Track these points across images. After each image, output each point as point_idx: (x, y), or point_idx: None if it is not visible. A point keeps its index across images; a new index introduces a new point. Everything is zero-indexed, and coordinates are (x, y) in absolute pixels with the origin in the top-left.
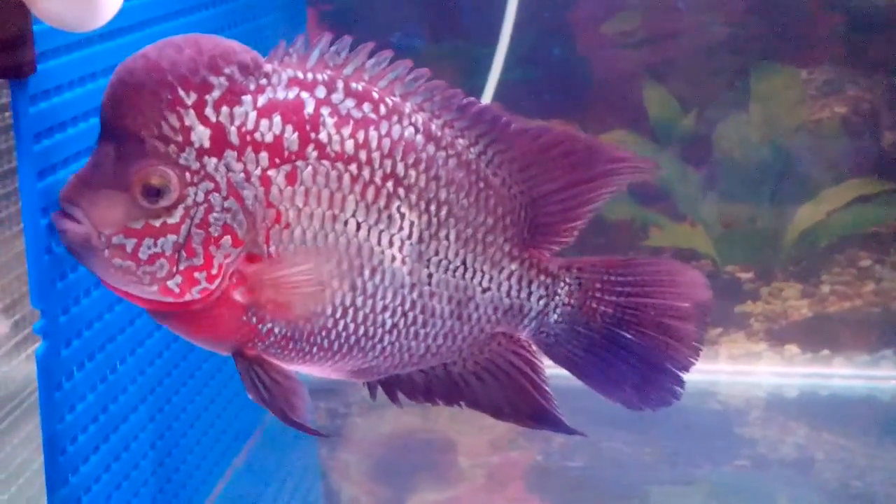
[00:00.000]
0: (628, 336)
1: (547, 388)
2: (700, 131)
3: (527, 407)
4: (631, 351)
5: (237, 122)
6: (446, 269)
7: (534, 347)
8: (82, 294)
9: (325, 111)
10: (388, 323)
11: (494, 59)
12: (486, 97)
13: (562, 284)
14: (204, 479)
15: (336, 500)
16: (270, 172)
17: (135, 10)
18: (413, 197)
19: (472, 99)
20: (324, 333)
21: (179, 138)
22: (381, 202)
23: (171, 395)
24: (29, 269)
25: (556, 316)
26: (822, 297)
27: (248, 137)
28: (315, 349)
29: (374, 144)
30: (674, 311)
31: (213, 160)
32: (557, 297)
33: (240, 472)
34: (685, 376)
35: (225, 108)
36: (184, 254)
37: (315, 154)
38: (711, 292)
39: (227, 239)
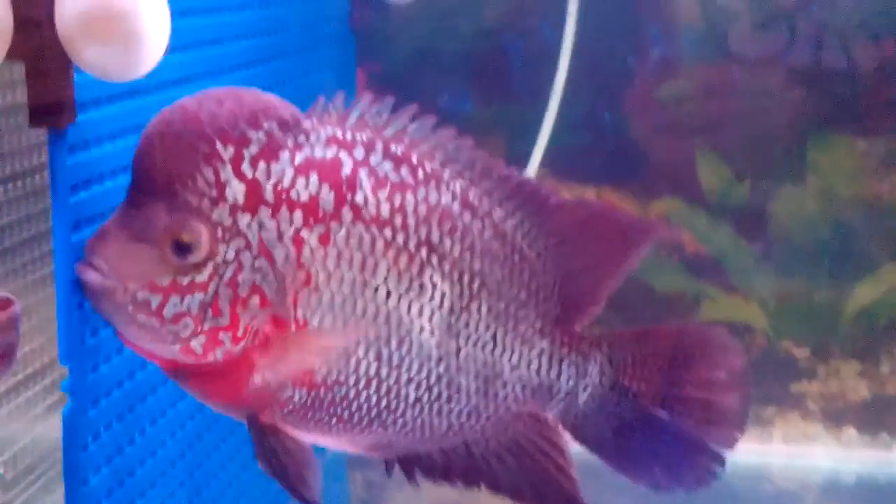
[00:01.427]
0: (662, 415)
1: (572, 473)
2: (755, 202)
3: (550, 492)
4: (665, 431)
5: (273, 180)
6: (475, 344)
7: (560, 428)
8: (113, 352)
9: (362, 172)
10: (412, 396)
11: (543, 124)
12: (534, 162)
13: (592, 363)
14: None
15: None
16: (304, 233)
17: (182, 64)
18: (446, 266)
19: (513, 170)
20: (345, 404)
21: (214, 193)
22: (414, 270)
23: (202, 460)
24: (58, 324)
25: (585, 396)
26: (881, 377)
27: (284, 195)
28: (335, 420)
29: (409, 209)
30: (711, 384)
31: (247, 217)
32: (588, 377)
33: None
34: (728, 454)
35: (262, 164)
36: (210, 313)
37: (350, 216)
38: (745, 358)
39: (256, 300)
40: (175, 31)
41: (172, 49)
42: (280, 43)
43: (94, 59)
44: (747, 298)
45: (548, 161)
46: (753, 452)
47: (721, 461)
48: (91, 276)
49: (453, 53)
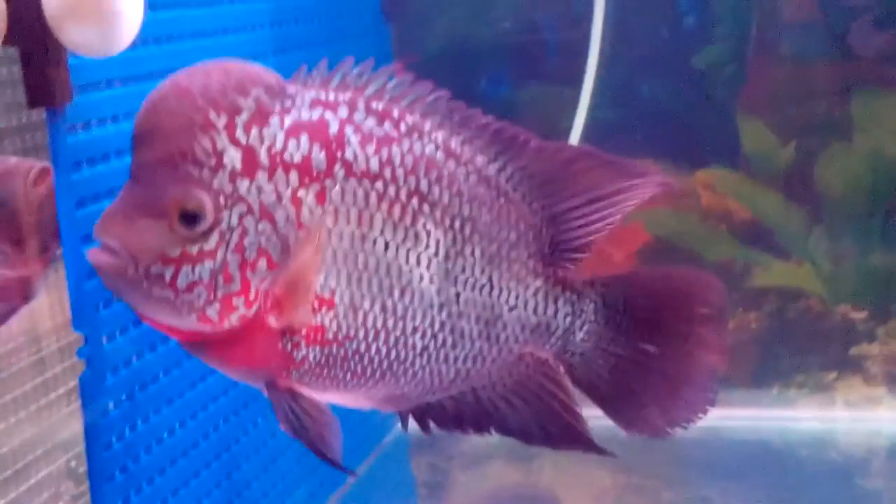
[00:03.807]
0: (653, 349)
1: (576, 409)
2: (801, 165)
3: (557, 429)
4: (656, 366)
5: (267, 143)
6: (473, 287)
7: (560, 368)
8: (130, 324)
9: (348, 130)
10: (419, 345)
11: (580, 100)
12: (574, 138)
13: (587, 301)
14: None
15: None
16: (300, 193)
17: (203, 51)
18: (438, 213)
19: (490, 118)
20: (356, 358)
21: (212, 161)
22: (408, 219)
23: (239, 435)
24: (70, 295)
25: (582, 334)
26: None
27: (278, 158)
28: (349, 375)
29: (397, 161)
30: (697, 318)
31: (246, 182)
32: (584, 314)
33: None
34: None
35: (254, 130)
36: (221, 280)
37: (342, 173)
38: (725, 294)
39: (263, 262)
40: (197, 19)
41: (193, 36)
42: (308, 32)
43: (75, 38)
44: (800, 264)
45: (588, 137)
46: (817, 419)
47: (712, 389)
48: (103, 258)
49: (487, 38)
